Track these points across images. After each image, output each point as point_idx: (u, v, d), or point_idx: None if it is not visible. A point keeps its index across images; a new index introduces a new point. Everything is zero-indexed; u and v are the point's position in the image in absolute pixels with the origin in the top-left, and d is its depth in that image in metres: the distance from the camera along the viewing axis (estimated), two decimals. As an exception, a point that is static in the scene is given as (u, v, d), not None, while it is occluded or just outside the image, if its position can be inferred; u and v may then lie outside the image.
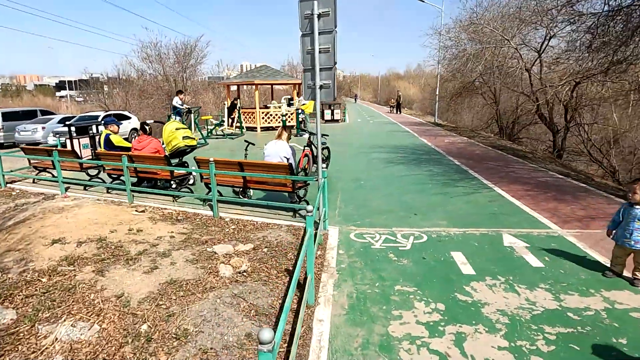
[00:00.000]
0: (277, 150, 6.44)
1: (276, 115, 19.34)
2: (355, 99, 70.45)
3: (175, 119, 13.68)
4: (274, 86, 25.21)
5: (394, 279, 4.30)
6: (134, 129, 19.19)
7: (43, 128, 16.49)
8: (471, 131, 21.32)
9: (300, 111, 17.19)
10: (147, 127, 7.79)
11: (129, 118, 19.42)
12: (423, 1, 25.24)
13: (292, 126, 18.62)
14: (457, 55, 18.78)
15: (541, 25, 13.87)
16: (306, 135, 9.05)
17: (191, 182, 8.14)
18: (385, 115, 34.27)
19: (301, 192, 6.57)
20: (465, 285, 4.15)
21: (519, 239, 5.34)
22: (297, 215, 6.31)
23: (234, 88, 22.80)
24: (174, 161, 8.39)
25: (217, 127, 17.43)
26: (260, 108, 19.64)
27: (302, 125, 17.73)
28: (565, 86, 13.52)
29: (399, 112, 36.59)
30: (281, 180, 6.09)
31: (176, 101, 13.88)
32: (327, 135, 9.21)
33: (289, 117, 18.74)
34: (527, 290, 4.04)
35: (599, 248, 5.05)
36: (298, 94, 18.72)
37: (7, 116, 17.24)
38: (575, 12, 8.98)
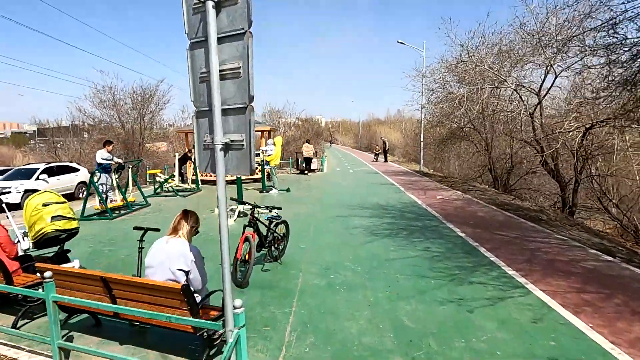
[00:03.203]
0: (167, 258, 3.50)
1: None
2: (330, 144, 70.70)
3: (101, 177, 10.77)
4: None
5: None
6: (82, 183, 16.28)
7: None
8: (463, 182, 18.94)
9: (266, 163, 14.53)
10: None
11: (76, 170, 16.51)
12: (403, 43, 23.76)
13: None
14: (445, 98, 16.67)
15: (544, 63, 11.85)
16: (268, 195, 6.20)
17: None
18: (366, 163, 32.12)
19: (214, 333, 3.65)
20: None
21: None
22: (201, 379, 3.40)
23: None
24: (49, 251, 5.50)
25: (165, 183, 14.58)
26: (222, 159, 16.97)
27: (267, 178, 15.01)
28: (578, 132, 11.33)
29: (385, 161, 34.18)
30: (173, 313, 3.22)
31: (100, 155, 10.90)
32: (279, 208, 6.45)
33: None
34: None
35: None
36: (265, 142, 16.06)
37: None
38: (616, 38, 6.76)
